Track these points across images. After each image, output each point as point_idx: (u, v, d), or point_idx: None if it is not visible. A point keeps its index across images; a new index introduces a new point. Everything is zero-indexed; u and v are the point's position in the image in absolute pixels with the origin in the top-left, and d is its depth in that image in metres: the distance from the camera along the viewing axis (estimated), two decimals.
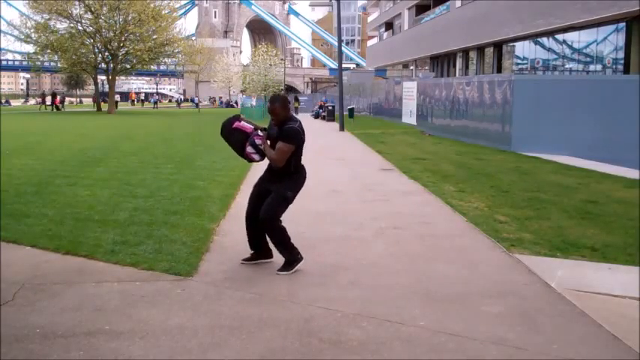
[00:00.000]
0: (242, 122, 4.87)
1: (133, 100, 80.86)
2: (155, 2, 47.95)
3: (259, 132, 4.84)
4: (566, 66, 25.23)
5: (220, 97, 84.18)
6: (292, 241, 4.90)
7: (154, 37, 47.20)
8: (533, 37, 26.65)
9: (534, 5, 24.65)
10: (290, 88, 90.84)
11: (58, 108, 46.68)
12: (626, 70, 20.65)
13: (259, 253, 5.09)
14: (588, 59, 23.98)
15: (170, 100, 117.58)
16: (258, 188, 5.02)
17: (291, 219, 6.84)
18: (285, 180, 4.86)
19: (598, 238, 6.01)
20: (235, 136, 4.84)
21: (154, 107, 66.79)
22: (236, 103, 78.03)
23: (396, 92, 30.85)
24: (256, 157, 4.85)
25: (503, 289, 4.49)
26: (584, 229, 6.38)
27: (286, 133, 4.71)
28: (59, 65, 52.32)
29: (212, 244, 5.67)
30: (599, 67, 22.91)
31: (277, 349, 3.40)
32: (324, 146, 16.40)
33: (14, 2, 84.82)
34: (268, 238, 4.94)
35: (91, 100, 56.30)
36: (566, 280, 4.67)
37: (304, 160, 5.01)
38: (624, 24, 20.92)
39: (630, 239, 5.95)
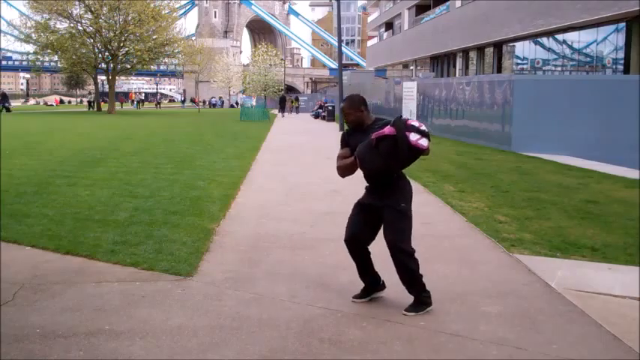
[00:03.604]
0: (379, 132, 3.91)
1: (133, 100, 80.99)
2: (155, 2, 47.97)
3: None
4: (566, 66, 25.23)
5: (221, 97, 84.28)
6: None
7: (154, 37, 47.24)
8: (533, 37, 26.66)
9: (534, 5, 24.65)
10: (290, 88, 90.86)
11: (8, 109, 45.31)
12: (626, 70, 20.65)
13: (371, 287, 4.25)
14: (588, 59, 23.98)
15: (170, 101, 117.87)
16: (363, 206, 4.12)
17: (292, 219, 6.87)
18: (395, 191, 4.00)
19: (598, 238, 6.01)
20: (381, 151, 3.84)
21: (137, 108, 66.80)
22: (237, 103, 78.18)
23: (396, 92, 30.86)
24: (424, 142, 3.86)
25: (503, 289, 4.49)
26: (584, 229, 6.38)
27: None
28: (59, 65, 52.36)
29: (212, 244, 5.66)
30: (599, 67, 22.92)
31: (277, 349, 3.40)
32: (325, 146, 16.37)
33: (14, 2, 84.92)
34: (398, 271, 4.06)
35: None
36: (566, 280, 4.67)
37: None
38: (624, 24, 20.92)
39: (630, 239, 5.95)
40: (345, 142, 4.16)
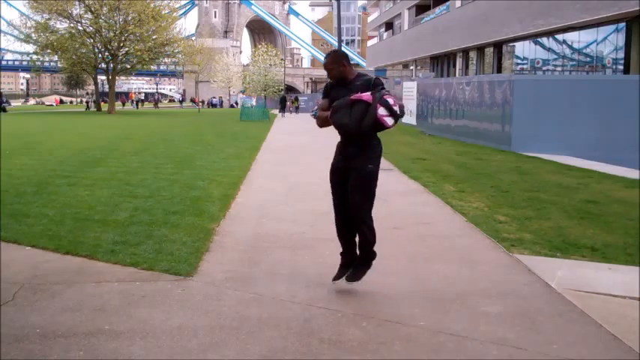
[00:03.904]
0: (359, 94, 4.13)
1: (133, 100, 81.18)
2: (155, 2, 47.99)
3: (384, 91, 4.07)
4: (566, 66, 25.23)
5: (220, 97, 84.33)
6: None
7: (154, 37, 47.29)
8: (533, 37, 26.66)
9: (534, 5, 24.65)
10: (290, 88, 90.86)
11: (4, 110, 44.18)
12: (626, 70, 20.65)
13: (351, 264, 4.44)
14: (588, 59, 23.98)
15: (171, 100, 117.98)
16: (337, 173, 4.34)
17: (292, 219, 6.86)
18: (365, 151, 4.20)
19: (598, 238, 6.01)
20: (353, 112, 4.07)
21: (136, 107, 68.33)
22: (236, 103, 78.23)
23: (396, 92, 30.86)
24: (389, 120, 4.01)
25: (503, 289, 4.48)
26: (584, 229, 6.38)
27: (382, 83, 4.16)
28: (59, 65, 52.39)
29: (212, 244, 5.66)
30: (599, 67, 22.92)
31: (277, 349, 3.40)
32: (324, 146, 16.38)
33: (14, 2, 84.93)
34: (361, 242, 4.33)
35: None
36: (566, 280, 4.67)
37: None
38: (624, 24, 20.92)
39: (630, 239, 5.95)
40: (327, 93, 4.38)
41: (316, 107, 40.64)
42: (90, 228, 6.11)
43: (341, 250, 4.51)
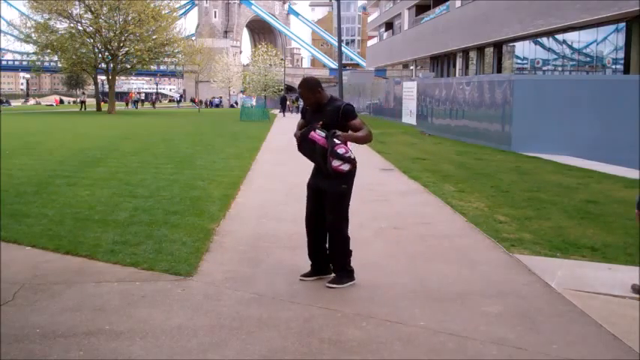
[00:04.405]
0: (316, 132, 4.38)
1: (132, 100, 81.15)
2: (155, 2, 47.96)
3: (336, 140, 4.30)
4: (566, 66, 25.22)
5: (220, 97, 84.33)
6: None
7: (154, 37, 47.23)
8: (533, 37, 26.66)
9: (534, 5, 24.65)
10: (290, 88, 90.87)
11: None
12: (626, 70, 20.65)
13: (320, 267, 4.67)
14: (588, 59, 23.98)
15: (170, 100, 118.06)
16: (312, 189, 4.67)
17: (292, 219, 6.86)
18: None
19: (598, 238, 6.01)
20: (317, 149, 4.39)
21: (135, 107, 69.08)
22: (236, 103, 78.25)
23: (396, 92, 30.86)
24: (344, 167, 4.33)
25: (503, 289, 4.49)
26: (584, 229, 6.38)
27: (350, 110, 4.40)
28: (59, 65, 52.35)
29: (212, 244, 5.67)
30: (599, 67, 22.92)
31: (277, 349, 3.40)
32: None
33: (14, 2, 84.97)
34: (330, 248, 4.59)
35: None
36: (566, 280, 4.67)
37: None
38: (624, 24, 20.93)
39: (630, 239, 5.94)
40: (303, 115, 4.73)
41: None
42: (90, 228, 6.12)
43: (308, 252, 4.74)
